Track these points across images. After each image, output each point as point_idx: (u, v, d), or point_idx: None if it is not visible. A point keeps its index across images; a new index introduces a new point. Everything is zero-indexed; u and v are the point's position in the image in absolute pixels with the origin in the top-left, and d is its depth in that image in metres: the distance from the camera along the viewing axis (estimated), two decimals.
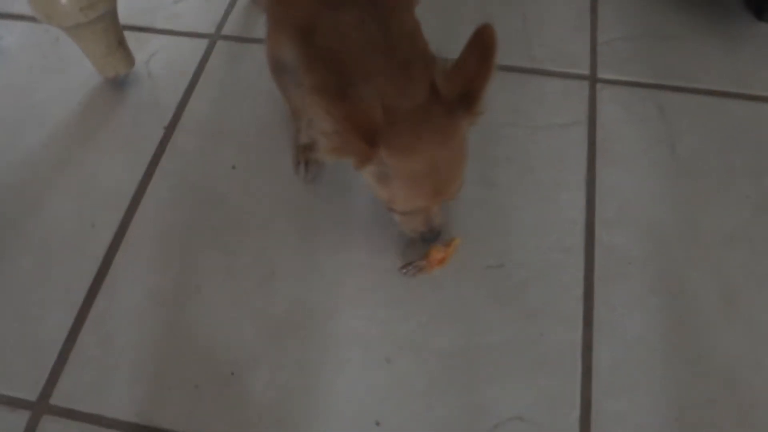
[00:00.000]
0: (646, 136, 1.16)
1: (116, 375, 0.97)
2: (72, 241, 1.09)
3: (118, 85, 1.28)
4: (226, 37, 1.36)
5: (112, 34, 1.19)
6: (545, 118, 1.19)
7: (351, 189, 1.12)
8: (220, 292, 1.03)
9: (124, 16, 1.22)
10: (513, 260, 1.04)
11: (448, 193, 0.87)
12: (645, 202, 1.09)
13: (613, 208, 1.08)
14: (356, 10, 0.85)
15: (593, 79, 1.24)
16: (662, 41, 1.28)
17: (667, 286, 1.01)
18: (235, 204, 1.12)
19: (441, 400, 0.93)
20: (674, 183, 1.11)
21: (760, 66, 1.23)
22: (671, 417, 0.90)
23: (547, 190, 1.11)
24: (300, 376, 0.95)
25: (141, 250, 1.08)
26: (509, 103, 1.20)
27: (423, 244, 0.99)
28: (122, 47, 1.23)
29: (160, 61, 1.32)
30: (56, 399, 0.95)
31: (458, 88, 0.81)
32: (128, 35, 1.26)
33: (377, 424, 0.91)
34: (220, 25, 1.38)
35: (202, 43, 1.34)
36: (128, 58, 1.26)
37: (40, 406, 0.94)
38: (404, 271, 1.02)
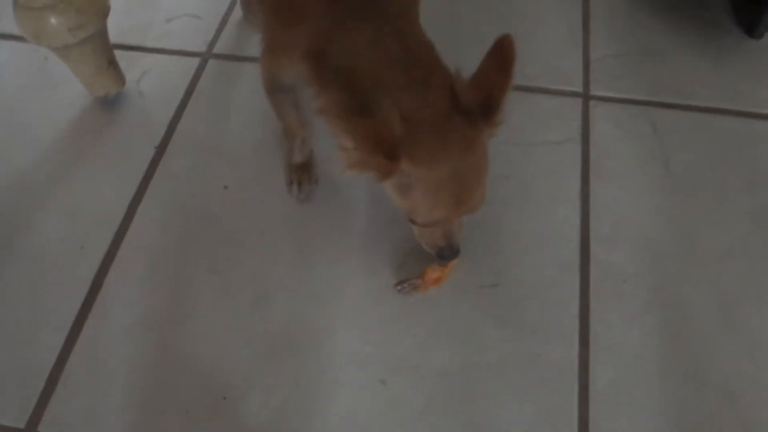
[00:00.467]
0: (640, 152, 1.16)
1: (106, 400, 0.95)
2: (61, 262, 1.08)
3: (108, 104, 1.27)
4: (218, 56, 1.35)
5: (102, 54, 1.18)
6: (539, 135, 1.19)
7: (345, 208, 1.12)
8: (212, 314, 1.02)
9: (114, 34, 1.21)
10: (508, 278, 1.03)
11: (470, 204, 0.86)
12: (640, 219, 1.09)
13: (608, 225, 1.08)
14: (369, 28, 0.85)
15: (586, 96, 1.24)
16: (654, 58, 1.29)
17: (663, 303, 1.00)
18: (227, 224, 1.11)
19: (438, 420, 0.92)
20: (669, 199, 1.11)
21: (752, 82, 1.24)
22: None
23: (542, 208, 1.10)
24: (294, 399, 0.94)
25: (132, 272, 1.06)
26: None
27: (419, 262, 0.99)
28: (112, 66, 1.22)
29: (151, 80, 1.32)
30: (45, 426, 0.93)
31: (478, 98, 0.81)
32: (119, 54, 1.25)
33: None
34: (212, 44, 1.37)
35: (194, 62, 1.34)
36: (119, 78, 1.25)
37: None
38: (399, 288, 1.02)
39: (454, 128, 0.81)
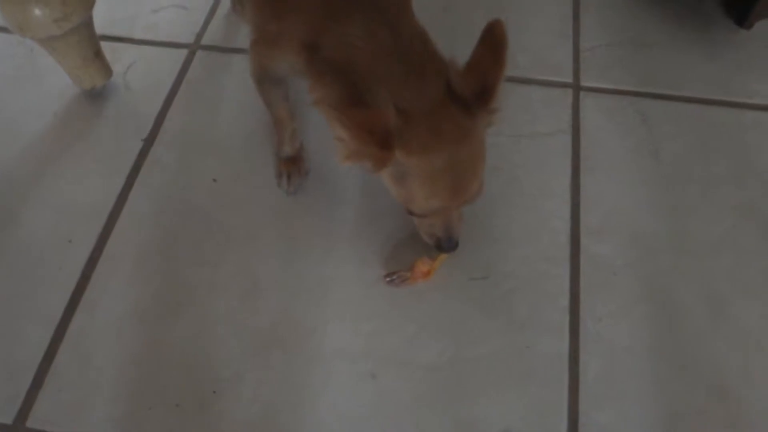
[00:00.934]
0: (630, 143, 1.16)
1: (95, 395, 0.94)
2: (49, 256, 1.07)
3: (95, 96, 1.26)
4: (206, 47, 1.34)
5: (88, 45, 1.17)
6: (529, 127, 1.19)
7: (335, 200, 1.11)
8: (201, 307, 1.01)
9: (100, 26, 1.20)
10: (498, 271, 1.03)
11: (467, 194, 0.86)
12: (629, 210, 1.09)
13: (598, 217, 1.08)
14: (363, 21, 0.84)
15: (577, 87, 1.24)
16: (645, 48, 1.29)
17: (653, 295, 1.00)
18: (216, 217, 1.10)
19: (428, 413, 0.92)
20: (658, 190, 1.11)
21: (742, 73, 1.24)
22: (660, 428, 0.90)
23: (532, 199, 1.10)
24: (284, 392, 0.94)
25: (120, 266, 1.06)
26: None
27: (409, 254, 0.99)
28: (99, 58, 1.21)
29: (138, 72, 1.30)
30: (33, 421, 0.92)
31: (473, 85, 0.81)
32: (105, 46, 1.24)
33: None
34: (200, 35, 1.36)
35: (182, 54, 1.32)
36: (105, 70, 1.23)
37: (17, 429, 0.92)
38: (388, 279, 1.01)
39: (450, 118, 0.81)
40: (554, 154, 1.15)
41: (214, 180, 1.14)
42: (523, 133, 1.18)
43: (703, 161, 1.13)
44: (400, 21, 0.86)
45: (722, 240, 1.05)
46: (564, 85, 1.24)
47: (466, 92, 0.81)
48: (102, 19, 1.21)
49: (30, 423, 0.92)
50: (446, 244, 0.92)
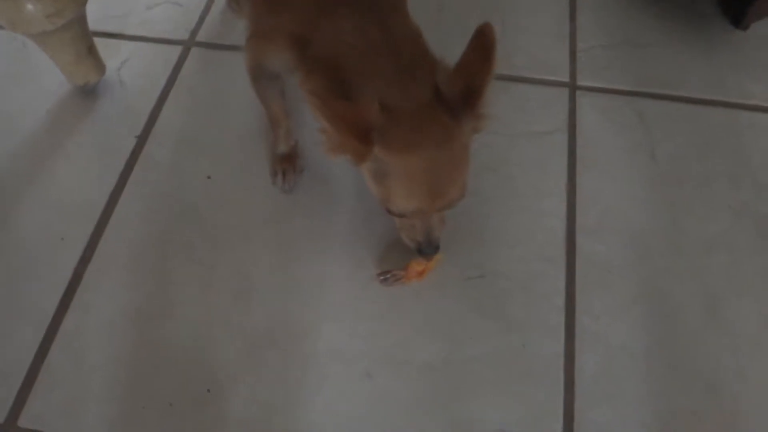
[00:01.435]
0: (626, 143, 1.16)
1: (87, 394, 0.94)
2: (41, 254, 1.06)
3: (88, 93, 1.25)
4: (201, 44, 1.33)
5: (81, 41, 1.16)
6: (525, 126, 1.18)
7: (330, 199, 1.11)
8: (195, 307, 1.01)
9: (94, 21, 1.19)
10: (494, 270, 1.03)
11: (446, 198, 0.85)
12: (625, 210, 1.09)
13: (594, 216, 1.08)
14: (355, 17, 0.84)
15: (573, 87, 1.23)
16: (641, 49, 1.28)
17: (648, 295, 1.00)
18: (210, 215, 1.10)
19: (424, 414, 0.91)
20: (654, 190, 1.11)
21: (738, 73, 1.24)
22: (655, 428, 0.90)
23: (528, 199, 1.10)
24: (279, 392, 0.93)
25: (113, 264, 1.05)
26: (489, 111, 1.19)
27: (404, 254, 0.97)
28: (92, 54, 1.20)
29: (132, 68, 1.29)
30: (25, 421, 0.92)
31: (461, 87, 0.80)
32: (99, 42, 1.23)
33: None
34: (195, 32, 1.35)
35: (176, 50, 1.32)
36: (99, 66, 1.22)
37: (8, 429, 0.91)
38: (382, 278, 1.01)
39: (434, 119, 0.80)
40: (551, 154, 1.15)
41: (209, 177, 1.14)
42: (519, 132, 1.18)
43: (699, 161, 1.13)
44: (393, 19, 0.86)
45: (717, 239, 1.05)
46: (560, 85, 1.24)
47: (453, 94, 0.80)
48: (96, 15, 1.20)
49: (21, 422, 0.91)
50: (425, 248, 0.91)
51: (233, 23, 1.34)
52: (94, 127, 1.21)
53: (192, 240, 1.07)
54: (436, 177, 0.82)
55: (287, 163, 1.11)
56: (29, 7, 1.04)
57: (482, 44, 0.79)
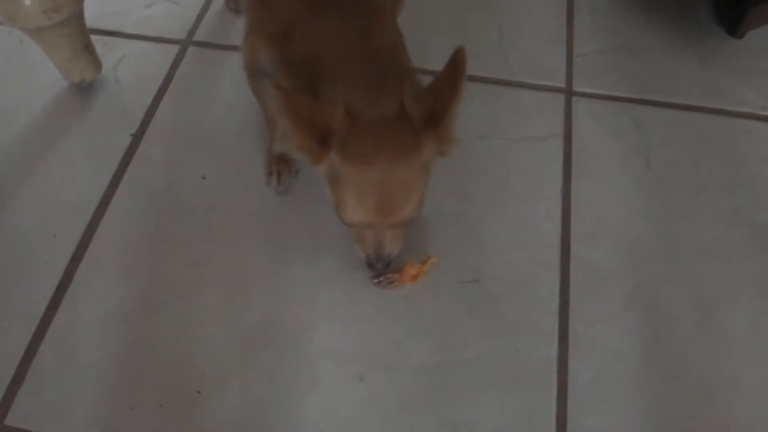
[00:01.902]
0: (621, 149, 1.16)
1: (77, 393, 0.93)
2: (33, 251, 1.05)
3: (84, 90, 1.24)
4: (198, 43, 1.33)
5: (78, 37, 1.16)
6: (521, 131, 1.18)
7: (324, 201, 1.09)
8: (187, 306, 1.00)
9: (91, 18, 1.18)
10: (488, 275, 1.03)
11: (396, 216, 0.84)
12: (620, 216, 1.08)
13: (589, 222, 1.08)
14: (339, 18, 0.84)
15: (569, 92, 1.24)
16: (637, 55, 1.29)
17: (643, 301, 1.00)
18: (204, 215, 1.09)
19: (416, 417, 0.91)
20: (649, 196, 1.11)
21: (733, 81, 1.24)
22: None
23: (523, 204, 1.10)
24: (270, 394, 0.93)
25: (105, 262, 1.04)
26: (485, 116, 1.19)
27: (397, 258, 0.96)
28: (89, 51, 1.19)
29: (128, 66, 1.29)
30: (12, 420, 0.91)
31: (427, 108, 0.79)
32: (96, 39, 1.22)
33: None
34: (192, 31, 1.35)
35: (173, 49, 1.31)
36: (95, 63, 1.22)
37: None
38: (376, 281, 1.00)
39: (394, 135, 0.80)
40: (546, 159, 1.15)
41: (203, 177, 1.13)
42: (515, 137, 1.18)
43: (694, 168, 1.14)
44: (376, 28, 0.86)
45: (712, 246, 1.05)
46: (556, 90, 1.24)
47: (417, 114, 0.80)
48: (93, 12, 1.20)
49: (9, 421, 0.91)
50: (373, 261, 0.90)
51: (231, 23, 1.34)
52: (89, 124, 1.21)
53: (185, 239, 1.06)
54: (387, 193, 0.81)
55: (283, 164, 1.11)
56: (27, 1, 1.04)
57: (453, 69, 0.78)
